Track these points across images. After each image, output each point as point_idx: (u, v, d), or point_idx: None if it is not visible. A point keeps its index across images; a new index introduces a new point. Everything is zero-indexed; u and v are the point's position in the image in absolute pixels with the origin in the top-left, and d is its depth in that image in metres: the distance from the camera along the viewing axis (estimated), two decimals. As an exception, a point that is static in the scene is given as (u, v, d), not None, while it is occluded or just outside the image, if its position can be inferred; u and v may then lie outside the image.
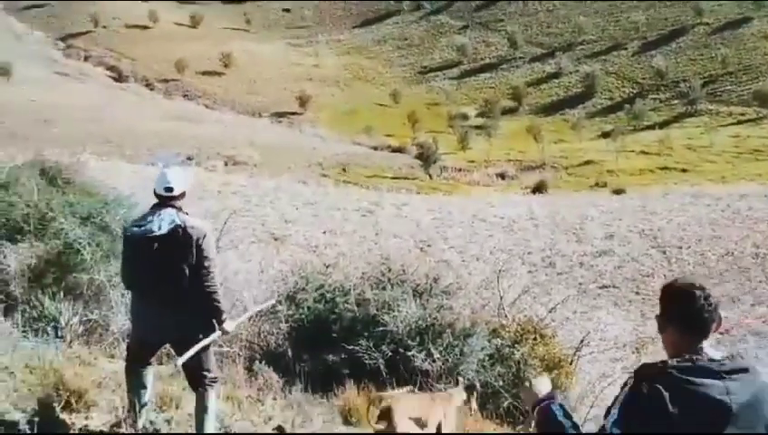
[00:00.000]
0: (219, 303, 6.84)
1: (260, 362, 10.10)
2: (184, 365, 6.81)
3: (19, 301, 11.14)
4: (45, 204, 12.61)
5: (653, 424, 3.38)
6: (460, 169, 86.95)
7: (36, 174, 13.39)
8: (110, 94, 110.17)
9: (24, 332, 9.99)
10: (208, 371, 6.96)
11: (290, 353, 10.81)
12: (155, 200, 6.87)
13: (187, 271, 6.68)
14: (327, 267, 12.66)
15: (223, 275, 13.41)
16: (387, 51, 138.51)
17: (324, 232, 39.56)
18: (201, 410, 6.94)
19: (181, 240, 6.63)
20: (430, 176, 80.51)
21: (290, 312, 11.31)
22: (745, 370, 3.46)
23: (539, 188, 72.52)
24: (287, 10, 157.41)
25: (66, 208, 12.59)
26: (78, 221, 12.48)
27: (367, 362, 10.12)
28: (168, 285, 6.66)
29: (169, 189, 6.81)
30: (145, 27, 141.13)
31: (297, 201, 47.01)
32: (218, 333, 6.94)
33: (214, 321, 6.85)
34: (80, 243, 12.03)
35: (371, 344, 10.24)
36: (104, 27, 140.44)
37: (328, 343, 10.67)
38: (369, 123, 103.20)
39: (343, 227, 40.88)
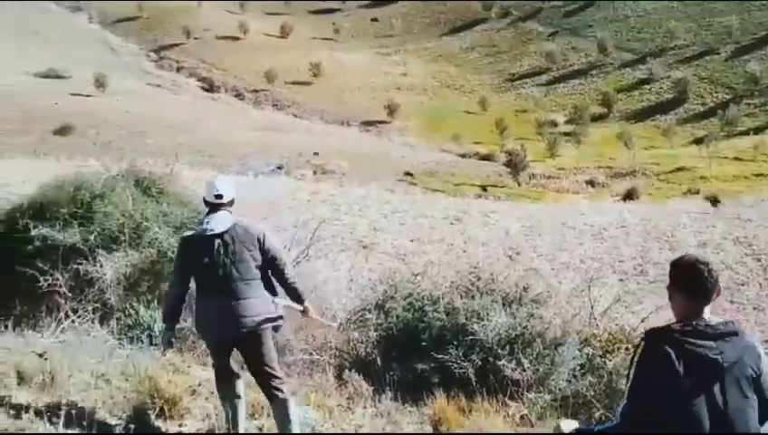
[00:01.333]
0: (299, 287, 7.51)
1: (349, 371, 10.10)
2: (255, 372, 7.18)
3: (114, 309, 11.33)
4: (140, 213, 12.80)
5: (662, 377, 4.11)
6: (549, 177, 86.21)
7: (131, 184, 13.58)
8: (201, 105, 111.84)
9: (119, 339, 10.17)
10: (279, 375, 7.22)
11: (379, 362, 10.79)
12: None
13: (251, 264, 7.09)
14: (416, 276, 12.60)
15: (312, 283, 13.54)
16: (475, 58, 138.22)
17: (412, 240, 39.54)
18: (283, 419, 7.13)
19: (242, 237, 7.07)
20: (519, 183, 79.99)
21: (379, 320, 11.30)
22: (735, 333, 4.19)
23: (630, 196, 71.36)
24: (375, 19, 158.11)
25: (160, 218, 12.78)
26: (171, 230, 12.66)
27: (456, 371, 10.05)
28: (233, 279, 7.03)
29: (219, 196, 7.21)
30: (235, 38, 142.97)
31: (385, 209, 47.07)
32: (300, 307, 7.56)
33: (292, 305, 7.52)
34: (173, 252, 12.21)
35: (461, 353, 10.16)
36: (196, 39, 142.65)
37: (417, 351, 10.62)
38: (457, 131, 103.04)
39: (431, 234, 40.82)
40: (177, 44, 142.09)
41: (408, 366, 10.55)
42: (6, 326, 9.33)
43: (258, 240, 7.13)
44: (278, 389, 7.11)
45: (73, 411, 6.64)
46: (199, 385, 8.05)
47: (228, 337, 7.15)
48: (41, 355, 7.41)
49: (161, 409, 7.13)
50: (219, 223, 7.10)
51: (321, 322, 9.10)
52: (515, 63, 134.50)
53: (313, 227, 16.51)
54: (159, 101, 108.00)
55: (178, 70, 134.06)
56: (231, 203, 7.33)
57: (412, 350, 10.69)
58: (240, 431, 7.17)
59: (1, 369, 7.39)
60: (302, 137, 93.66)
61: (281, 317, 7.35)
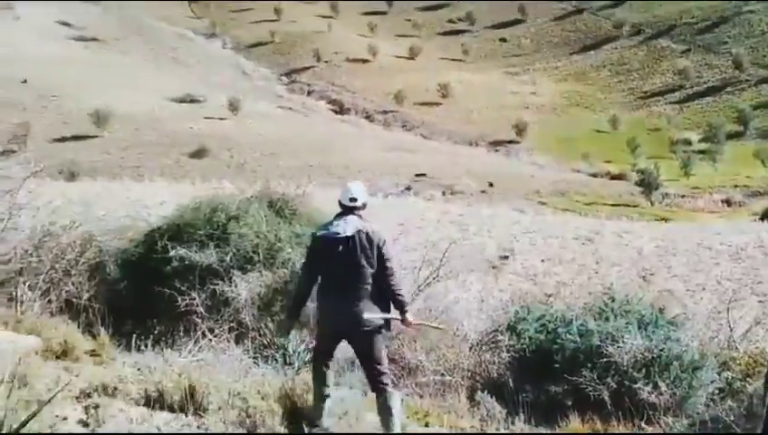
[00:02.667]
0: (403, 297, 7.95)
1: (482, 392, 10.05)
2: (364, 365, 7.91)
3: (249, 328, 11.52)
4: (274, 234, 13.01)
5: None
6: (683, 196, 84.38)
7: (265, 205, 13.81)
8: (331, 127, 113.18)
9: (254, 358, 10.33)
10: (386, 371, 7.82)
11: (511, 383, 10.70)
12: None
13: (368, 269, 7.70)
14: (548, 297, 12.50)
15: (443, 303, 13.52)
16: (605, 76, 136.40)
17: (543, 260, 39.13)
18: (385, 411, 7.69)
19: (365, 243, 7.70)
20: (652, 203, 78.49)
21: (511, 341, 11.22)
22: None
23: (768, 215, 69.29)
24: (504, 39, 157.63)
25: (293, 239, 12.97)
26: (304, 251, 12.80)
27: (591, 393, 9.91)
28: (351, 281, 7.68)
29: (353, 199, 7.96)
30: (365, 60, 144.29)
31: (515, 230, 46.77)
32: (398, 314, 7.94)
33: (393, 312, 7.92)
34: (306, 272, 12.33)
35: (595, 376, 10.02)
36: (326, 62, 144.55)
37: (550, 373, 10.50)
38: (588, 150, 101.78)
39: (562, 255, 40.33)
40: (307, 68, 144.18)
41: (540, 388, 10.44)
42: (146, 345, 9.56)
43: (378, 246, 7.74)
44: (383, 382, 7.69)
45: (211, 429, 6.76)
46: (332, 405, 8.10)
47: (343, 332, 7.83)
48: (180, 374, 7.57)
49: (298, 428, 7.21)
50: (347, 226, 7.77)
51: (428, 325, 9.44)
52: (647, 81, 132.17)
53: (443, 248, 16.49)
54: (291, 123, 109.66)
55: (309, 93, 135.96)
56: (363, 207, 8.03)
57: (545, 372, 10.57)
58: (324, 414, 7.71)
59: (142, 387, 7.57)
60: (431, 157, 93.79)
61: (387, 321, 7.93)
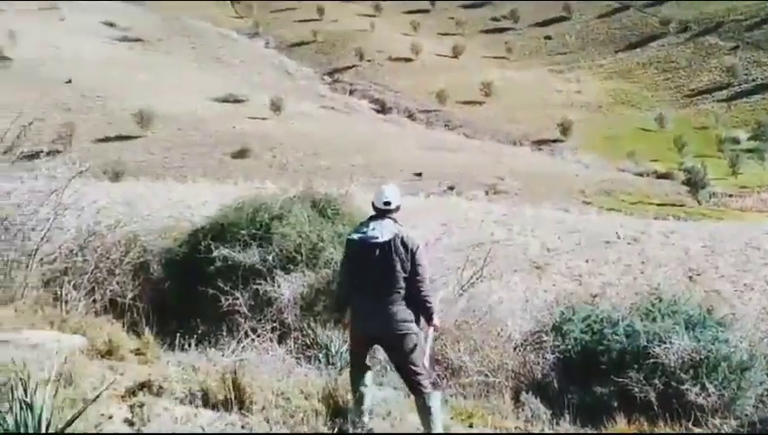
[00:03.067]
0: (431, 304, 7.94)
1: (526, 393, 10.02)
2: (400, 368, 7.92)
3: (292, 328, 11.57)
4: (316, 234, 13.06)
5: None
6: (731, 195, 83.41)
7: (307, 205, 13.87)
8: (373, 126, 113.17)
9: (297, 358, 10.38)
10: (422, 372, 7.82)
11: (556, 384, 10.66)
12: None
13: (401, 274, 7.76)
14: (593, 297, 12.43)
15: (487, 303, 13.49)
16: (651, 74, 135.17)
17: (587, 261, 38.87)
18: (425, 411, 7.69)
19: (400, 248, 7.75)
20: (699, 202, 77.71)
21: (556, 342, 11.17)
22: None
23: (819, 214, 68.45)
24: (549, 37, 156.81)
25: (336, 239, 13.00)
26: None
27: (637, 394, 9.84)
28: (386, 286, 7.73)
29: (387, 203, 7.99)
30: (408, 59, 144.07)
31: (559, 229, 46.51)
32: (431, 329, 8.00)
33: (423, 321, 7.96)
34: (348, 272, 12.36)
35: (642, 377, 9.95)
36: (368, 61, 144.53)
37: (596, 374, 10.45)
38: (634, 149, 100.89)
39: (607, 255, 40.02)
40: (350, 67, 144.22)
41: (586, 389, 10.39)
42: (190, 344, 9.63)
43: (412, 252, 7.78)
44: (421, 384, 7.73)
45: (255, 429, 6.80)
46: (375, 405, 8.11)
47: (376, 335, 7.91)
48: (224, 374, 7.61)
49: (340, 428, 7.22)
50: (383, 231, 7.82)
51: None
52: (694, 79, 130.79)
53: (486, 248, 16.45)
54: (333, 123, 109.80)
55: (351, 92, 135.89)
56: (397, 209, 8.10)
57: (590, 373, 10.53)
58: (365, 417, 7.79)
59: (186, 386, 7.62)
60: (474, 156, 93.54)
61: (418, 320, 7.94)
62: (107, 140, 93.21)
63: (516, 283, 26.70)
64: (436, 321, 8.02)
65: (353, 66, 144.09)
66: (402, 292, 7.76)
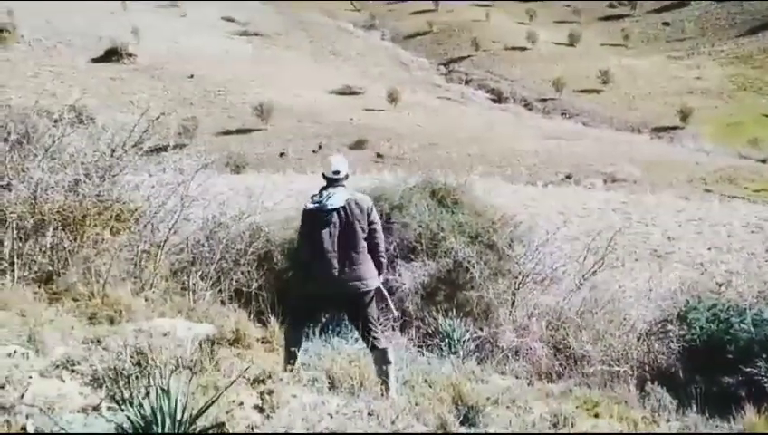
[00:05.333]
0: (384, 257, 8.74)
1: (651, 383, 9.84)
2: (357, 323, 8.49)
3: (413, 317, 11.60)
4: (436, 224, 13.07)
5: None
6: None
7: (427, 195, 13.88)
8: (490, 116, 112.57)
9: (419, 347, 10.40)
10: (378, 328, 8.48)
11: (681, 374, 10.45)
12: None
13: (361, 234, 8.42)
14: (720, 286, 12.13)
15: (609, 292, 13.29)
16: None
17: (709, 249, 38.00)
18: (383, 365, 8.20)
19: (355, 210, 8.42)
20: (825, 188, 75.23)
21: (681, 331, 10.94)
22: None
23: None
24: (667, 23, 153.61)
25: (455, 228, 12.99)
26: (467, 240, 12.83)
27: (766, 384, 9.58)
28: (347, 246, 8.32)
29: (337, 172, 8.64)
30: (523, 48, 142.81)
31: (680, 217, 45.60)
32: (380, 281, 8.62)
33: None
34: (469, 261, 12.35)
35: (771, 367, 9.68)
36: (484, 51, 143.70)
37: (722, 364, 10.21)
38: (756, 135, 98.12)
39: (730, 243, 39.06)
40: (465, 57, 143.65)
41: (712, 379, 10.16)
42: (314, 332, 9.72)
43: (366, 213, 8.51)
44: (378, 338, 8.32)
45: (379, 417, 6.83)
46: (500, 394, 8.06)
47: (338, 295, 8.37)
48: (350, 362, 7.68)
49: (465, 416, 7.20)
50: (336, 198, 8.43)
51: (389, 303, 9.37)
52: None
53: (606, 237, 16.20)
54: (449, 113, 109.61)
55: (467, 82, 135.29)
56: (346, 178, 8.75)
57: (717, 362, 10.29)
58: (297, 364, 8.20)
59: (313, 374, 7.72)
60: (592, 145, 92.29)
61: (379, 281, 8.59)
62: (228, 133, 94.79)
63: (638, 271, 26.23)
64: (381, 278, 8.63)
65: (469, 56, 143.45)
66: (361, 251, 8.42)
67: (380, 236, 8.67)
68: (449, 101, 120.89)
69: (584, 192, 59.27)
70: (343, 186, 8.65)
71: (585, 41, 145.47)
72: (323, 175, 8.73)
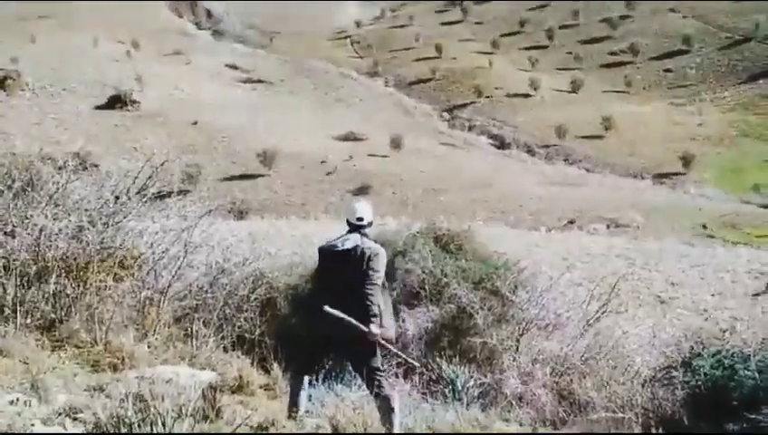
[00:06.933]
0: (372, 305, 8.31)
1: (656, 430, 9.80)
2: (359, 369, 8.47)
3: (417, 363, 11.56)
4: (440, 270, 13.07)
5: None
6: None
7: (430, 241, 13.91)
8: (493, 162, 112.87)
9: (423, 393, 10.36)
10: (382, 374, 8.39)
11: (686, 421, 10.41)
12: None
13: (359, 280, 8.31)
14: (724, 332, 12.11)
15: (613, 338, 13.25)
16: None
17: (713, 295, 37.95)
18: (388, 413, 8.08)
19: (359, 256, 8.39)
20: (829, 234, 75.21)
21: (686, 378, 10.90)
22: None
23: None
24: (669, 70, 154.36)
25: (459, 274, 12.99)
26: (470, 286, 12.83)
27: (771, 432, 9.52)
28: (345, 290, 8.28)
29: (360, 219, 8.74)
30: (526, 95, 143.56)
31: (683, 263, 45.61)
32: (365, 328, 8.30)
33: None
34: (472, 307, 12.35)
35: (776, 414, 9.63)
36: (487, 97, 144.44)
37: (727, 411, 10.15)
38: (758, 180, 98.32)
39: (734, 289, 39.03)
40: (468, 104, 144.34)
41: (717, 426, 10.10)
42: (317, 379, 9.70)
43: (369, 256, 8.42)
44: (381, 386, 8.22)
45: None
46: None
47: (340, 338, 8.32)
48: (354, 409, 7.66)
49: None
50: (348, 242, 8.53)
51: (399, 354, 9.54)
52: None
53: (610, 283, 16.20)
54: (452, 159, 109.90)
55: (470, 128, 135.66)
56: (369, 225, 8.85)
57: (722, 409, 10.23)
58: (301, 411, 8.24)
59: (317, 422, 7.69)
60: (594, 191, 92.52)
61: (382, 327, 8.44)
62: (231, 178, 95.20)
63: (642, 317, 26.19)
64: (373, 327, 8.29)
65: (471, 103, 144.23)
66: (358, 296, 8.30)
67: (374, 282, 8.44)
68: (452, 147, 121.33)
69: (587, 238, 59.32)
70: (364, 233, 8.72)
71: (587, 87, 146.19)
72: (347, 221, 8.83)
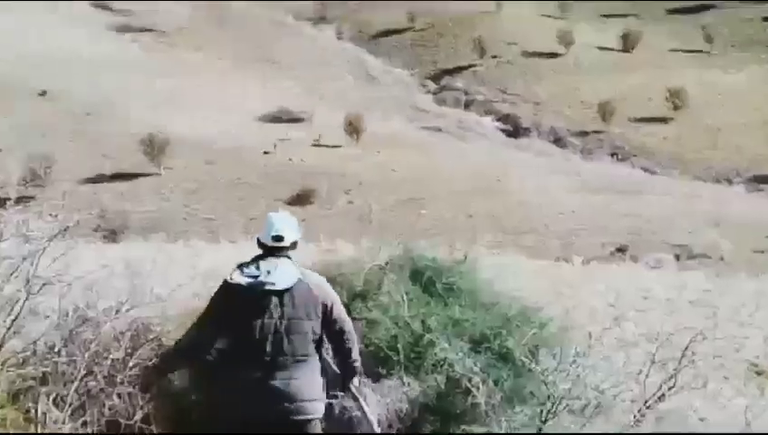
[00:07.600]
0: (358, 365, 8.92)
1: None
2: None
3: (382, 464, 11.56)
4: (420, 322, 13.05)
5: None
6: None
7: (406, 277, 13.89)
8: (502, 156, 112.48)
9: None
10: None
11: None
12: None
13: (310, 336, 8.23)
14: None
15: (686, 427, 13.34)
16: None
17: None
18: None
19: (305, 300, 8.20)
20: None
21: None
22: None
23: None
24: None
25: (449, 328, 12.98)
26: (467, 346, 12.83)
27: None
28: (285, 352, 8.10)
29: (278, 238, 8.38)
30: (553, 55, 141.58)
31: (794, 314, 45.94)
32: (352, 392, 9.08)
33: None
34: (470, 379, 12.35)
35: None
36: (493, 58, 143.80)
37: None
38: None
39: None
40: (465, 67, 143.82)
41: None
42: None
43: (325, 307, 8.34)
44: None
45: None
46: None
47: (264, 423, 8.09)
48: None
49: None
50: (282, 276, 8.14)
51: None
52: None
53: (680, 343, 16.29)
54: (440, 152, 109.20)
55: (467, 105, 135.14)
56: (293, 247, 8.54)
57: None
58: None
59: None
60: (657, 201, 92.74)
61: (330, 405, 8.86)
62: (100, 179, 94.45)
63: (728, 396, 26.37)
64: (355, 380, 8.97)
65: (470, 66, 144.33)
66: (307, 361, 8.18)
67: (352, 338, 8.62)
68: (440, 134, 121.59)
69: (646, 273, 59.55)
70: (288, 257, 8.43)
71: (646, 44, 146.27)
72: (258, 241, 8.54)
